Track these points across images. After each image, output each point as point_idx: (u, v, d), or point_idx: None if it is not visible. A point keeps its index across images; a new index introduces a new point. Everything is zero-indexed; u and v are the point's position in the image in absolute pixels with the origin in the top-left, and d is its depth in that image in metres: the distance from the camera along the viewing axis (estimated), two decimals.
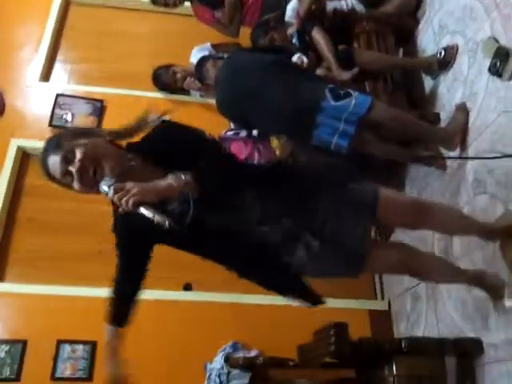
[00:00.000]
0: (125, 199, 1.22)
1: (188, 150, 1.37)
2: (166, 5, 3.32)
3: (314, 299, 1.70)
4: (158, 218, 1.22)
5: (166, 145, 1.40)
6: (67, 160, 1.33)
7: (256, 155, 2.81)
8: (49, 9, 3.65)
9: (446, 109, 2.45)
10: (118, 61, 3.55)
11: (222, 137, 2.89)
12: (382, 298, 2.95)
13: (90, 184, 1.32)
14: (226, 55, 3.18)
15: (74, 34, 3.68)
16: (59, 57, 3.61)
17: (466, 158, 2.16)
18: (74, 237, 2.96)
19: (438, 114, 2.47)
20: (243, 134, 2.81)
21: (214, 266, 2.90)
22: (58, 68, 3.58)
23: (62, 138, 1.38)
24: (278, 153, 2.76)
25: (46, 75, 3.47)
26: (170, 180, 1.28)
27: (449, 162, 2.36)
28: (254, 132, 2.82)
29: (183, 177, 1.27)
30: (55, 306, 2.67)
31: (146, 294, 2.66)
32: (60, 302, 2.68)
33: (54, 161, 1.34)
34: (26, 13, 3.62)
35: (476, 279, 1.88)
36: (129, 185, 1.24)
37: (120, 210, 1.27)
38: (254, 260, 1.52)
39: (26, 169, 3.17)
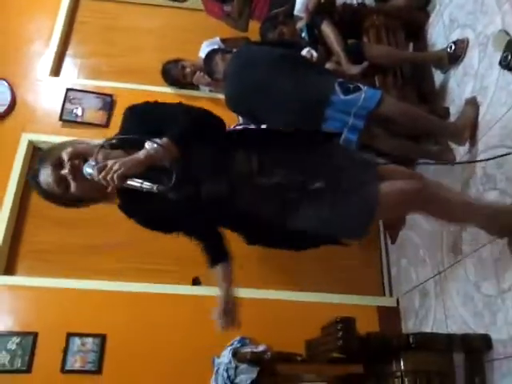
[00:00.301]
0: (109, 176, 1.27)
1: (162, 124, 1.40)
2: None
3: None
4: (145, 186, 1.27)
5: (139, 129, 1.44)
6: (57, 166, 1.40)
7: None
8: (59, 3, 3.66)
9: (455, 103, 2.42)
10: (128, 55, 3.56)
11: (230, 131, 2.88)
12: (391, 295, 2.94)
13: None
14: (234, 49, 3.20)
15: (84, 29, 3.69)
16: (69, 51, 3.63)
17: (475, 161, 2.13)
18: (85, 230, 2.97)
19: (447, 109, 2.45)
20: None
21: None
22: (68, 62, 3.60)
23: (43, 155, 1.46)
24: None
25: (56, 70, 3.49)
26: (147, 146, 1.33)
27: (458, 156, 2.34)
28: (263, 126, 2.81)
29: (158, 141, 1.31)
30: (65, 299, 2.70)
31: (154, 288, 2.72)
32: (70, 295, 2.71)
33: (46, 174, 1.40)
34: (37, 7, 3.64)
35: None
36: (110, 162, 1.29)
37: (108, 189, 1.31)
38: (259, 220, 1.51)
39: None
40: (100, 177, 1.28)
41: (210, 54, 2.58)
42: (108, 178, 1.27)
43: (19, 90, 3.29)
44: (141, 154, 1.33)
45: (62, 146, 1.45)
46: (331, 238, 1.65)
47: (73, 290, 2.73)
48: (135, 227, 2.92)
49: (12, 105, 3.23)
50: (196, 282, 2.83)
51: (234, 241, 2.92)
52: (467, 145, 2.24)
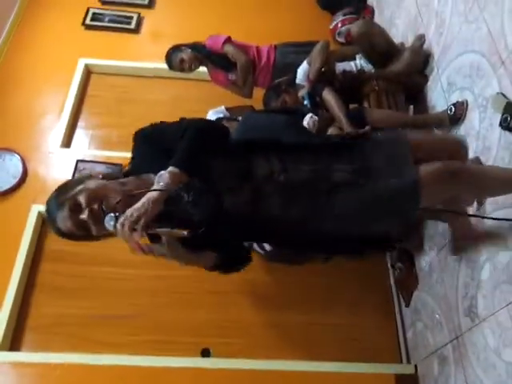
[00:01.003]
0: (127, 228, 1.21)
1: (169, 142, 1.39)
2: (182, 69, 3.44)
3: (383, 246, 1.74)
4: (175, 232, 1.24)
5: (149, 152, 1.45)
6: (75, 211, 1.34)
7: None
8: (71, 79, 3.83)
9: None
10: (137, 125, 3.65)
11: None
12: (408, 361, 2.82)
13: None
14: (240, 117, 3.28)
15: (95, 102, 3.84)
16: (80, 123, 3.75)
17: (485, 217, 2.11)
18: (93, 301, 2.94)
19: None
20: None
21: (233, 329, 2.86)
22: (79, 134, 3.71)
23: (59, 196, 1.38)
24: None
25: (67, 141, 3.60)
26: (156, 183, 1.30)
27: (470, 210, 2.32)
28: None
29: (165, 174, 1.29)
30: (73, 374, 2.61)
31: (162, 362, 2.63)
32: (78, 371, 2.62)
33: (63, 218, 1.35)
34: (49, 82, 3.82)
35: None
36: (128, 212, 1.24)
37: (138, 251, 1.28)
38: (289, 223, 1.46)
39: (46, 234, 3.21)
40: (123, 234, 1.23)
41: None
42: (128, 230, 1.22)
43: (31, 163, 3.38)
44: (152, 193, 1.28)
45: (78, 185, 1.39)
46: (371, 233, 1.56)
47: (81, 365, 2.64)
48: (143, 299, 2.91)
49: (23, 177, 3.31)
50: (205, 353, 2.74)
51: (238, 305, 2.87)
52: (475, 204, 2.22)
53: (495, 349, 1.98)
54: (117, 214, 1.26)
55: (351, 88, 2.83)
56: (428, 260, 2.68)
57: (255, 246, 2.70)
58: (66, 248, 3.09)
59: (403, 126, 2.63)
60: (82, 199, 1.34)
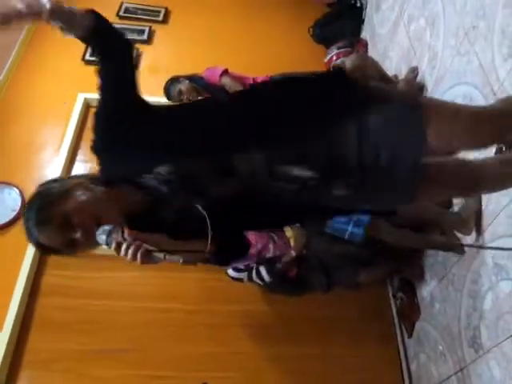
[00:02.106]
0: (131, 254, 1.14)
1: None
2: (181, 101, 3.45)
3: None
4: (169, 258, 1.17)
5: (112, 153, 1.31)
6: (65, 228, 1.22)
7: (271, 245, 2.80)
8: (70, 112, 3.88)
9: None
10: None
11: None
12: None
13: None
14: None
15: None
16: (79, 157, 3.77)
17: (485, 247, 2.12)
18: (91, 336, 2.90)
19: (450, 200, 2.47)
20: None
21: (232, 362, 2.81)
22: (78, 167, 3.72)
23: (43, 209, 1.25)
24: (292, 243, 2.75)
25: (66, 175, 3.61)
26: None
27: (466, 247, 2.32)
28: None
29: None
30: None
31: None
32: None
33: (50, 234, 1.23)
34: (49, 116, 3.85)
35: None
36: (128, 239, 1.16)
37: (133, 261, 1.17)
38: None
39: (44, 268, 3.19)
40: (121, 253, 1.15)
41: None
42: (130, 255, 1.14)
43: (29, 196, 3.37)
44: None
45: (65, 197, 1.25)
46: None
47: None
48: (140, 332, 2.87)
49: (22, 210, 3.31)
50: None
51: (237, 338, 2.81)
52: (474, 234, 2.23)
53: (501, 381, 1.95)
54: (108, 227, 1.19)
55: None
56: (429, 290, 2.66)
57: (254, 276, 2.68)
58: (63, 282, 3.08)
59: None
60: (75, 218, 1.22)
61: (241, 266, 2.69)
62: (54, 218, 1.22)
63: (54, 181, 1.36)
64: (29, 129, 3.76)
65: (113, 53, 1.29)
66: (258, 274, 2.65)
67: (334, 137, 1.22)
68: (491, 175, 1.41)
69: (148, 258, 1.16)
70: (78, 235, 1.22)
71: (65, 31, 1.22)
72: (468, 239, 2.29)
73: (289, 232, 2.84)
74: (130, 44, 1.36)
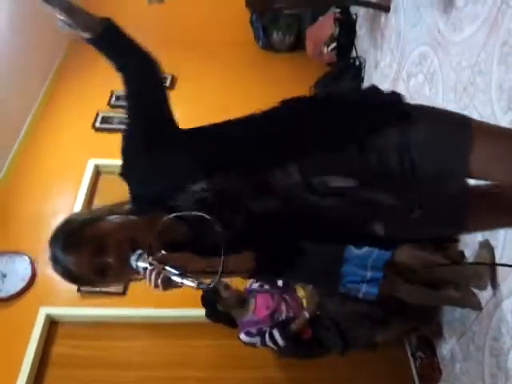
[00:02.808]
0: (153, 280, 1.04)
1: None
2: None
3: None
4: (186, 283, 1.04)
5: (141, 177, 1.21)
6: (98, 253, 1.11)
7: (283, 307, 2.75)
8: (81, 179, 3.95)
9: (470, 246, 2.41)
10: None
11: (247, 289, 2.87)
12: None
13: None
14: None
15: (104, 201, 3.91)
16: None
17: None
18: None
19: (462, 252, 2.43)
20: (268, 285, 2.80)
21: None
22: None
23: (73, 235, 1.15)
24: (305, 303, 2.70)
25: None
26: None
27: (484, 302, 2.26)
28: (279, 282, 2.80)
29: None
30: None
31: None
32: None
33: (81, 261, 1.12)
34: (60, 183, 3.93)
35: None
36: (154, 264, 1.04)
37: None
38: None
39: (54, 337, 3.16)
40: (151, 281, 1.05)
41: None
42: (152, 282, 1.04)
43: (40, 265, 3.38)
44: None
45: (93, 220, 1.17)
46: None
47: None
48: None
49: (32, 279, 3.31)
50: None
51: None
52: (490, 289, 2.17)
53: None
54: (140, 251, 1.09)
55: None
56: (449, 348, 2.56)
57: (268, 340, 2.61)
58: (73, 352, 3.04)
59: None
60: (109, 239, 1.12)
61: (253, 330, 2.63)
62: (84, 240, 1.12)
63: (81, 212, 1.26)
64: (40, 197, 3.82)
65: (129, 65, 1.23)
66: (272, 337, 2.58)
67: (372, 146, 1.15)
68: None
69: (168, 283, 1.06)
70: (110, 259, 1.12)
71: (71, 26, 1.20)
72: (485, 294, 2.23)
73: (301, 292, 2.79)
74: (147, 58, 1.26)
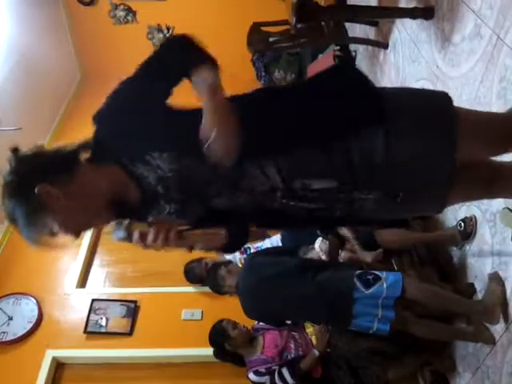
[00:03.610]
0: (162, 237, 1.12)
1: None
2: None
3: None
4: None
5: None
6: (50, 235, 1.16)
7: (292, 344, 2.71)
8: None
9: (479, 278, 2.38)
10: (151, 260, 3.70)
11: (255, 327, 2.84)
12: None
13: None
14: (251, 246, 3.32)
15: (110, 239, 3.91)
16: (96, 262, 3.81)
17: None
18: None
19: (472, 285, 2.40)
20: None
21: None
22: (95, 272, 3.74)
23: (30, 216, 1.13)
24: (314, 341, 2.66)
25: (82, 281, 3.62)
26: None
27: (497, 335, 2.22)
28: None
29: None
30: None
31: None
32: None
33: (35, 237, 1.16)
34: None
35: None
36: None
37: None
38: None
39: (61, 380, 3.12)
40: (149, 241, 1.12)
41: (213, 269, 2.65)
42: (161, 240, 1.11)
43: (46, 306, 3.37)
44: None
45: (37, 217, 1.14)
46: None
47: None
48: None
49: (39, 321, 3.28)
50: None
51: None
52: (502, 322, 2.13)
53: None
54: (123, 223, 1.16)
55: None
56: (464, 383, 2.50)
57: (277, 380, 2.55)
58: None
59: (415, 244, 2.65)
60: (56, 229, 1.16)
61: (262, 369, 2.59)
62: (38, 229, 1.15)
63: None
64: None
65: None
66: (281, 376, 2.53)
67: (356, 148, 1.17)
68: None
69: (180, 239, 1.13)
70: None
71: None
72: (498, 328, 2.19)
73: (310, 328, 2.76)
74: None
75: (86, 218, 1.19)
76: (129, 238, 1.15)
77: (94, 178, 1.18)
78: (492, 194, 1.63)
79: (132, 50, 5.32)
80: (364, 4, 3.86)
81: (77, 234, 1.20)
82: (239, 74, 5.03)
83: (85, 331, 3.21)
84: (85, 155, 1.20)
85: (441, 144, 1.21)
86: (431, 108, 1.24)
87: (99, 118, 1.19)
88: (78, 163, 1.19)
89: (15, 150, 1.16)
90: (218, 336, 2.70)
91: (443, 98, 1.28)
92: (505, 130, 1.36)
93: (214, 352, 2.78)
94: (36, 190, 1.11)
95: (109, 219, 1.23)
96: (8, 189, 1.14)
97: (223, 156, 1.09)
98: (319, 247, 2.65)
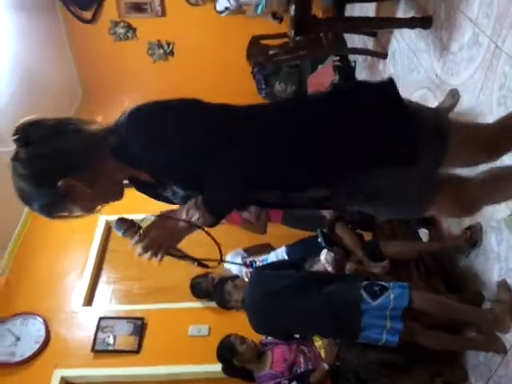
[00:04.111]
0: (152, 251, 1.17)
1: None
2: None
3: None
4: (187, 260, 1.24)
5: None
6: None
7: (302, 358, 2.68)
8: (92, 236, 3.98)
9: (487, 286, 2.36)
10: (157, 276, 3.70)
11: (263, 342, 2.82)
12: None
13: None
14: (257, 259, 3.32)
15: (116, 256, 3.93)
16: (102, 278, 3.81)
17: None
18: None
19: (480, 293, 2.38)
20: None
21: None
22: (101, 290, 3.75)
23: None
24: (323, 354, 2.64)
25: (89, 299, 3.62)
26: (186, 214, 1.19)
27: (508, 344, 2.19)
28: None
29: (197, 213, 1.18)
30: None
31: None
32: None
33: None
34: (72, 242, 3.96)
35: None
36: (152, 233, 1.18)
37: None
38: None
39: None
40: (140, 249, 1.18)
41: (219, 284, 2.65)
42: (150, 252, 1.17)
43: (53, 325, 3.37)
44: (184, 226, 1.20)
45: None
46: None
47: None
48: None
49: (46, 341, 3.29)
50: None
51: None
52: None
53: None
54: (126, 226, 1.23)
55: (362, 219, 2.88)
56: None
57: None
58: None
59: (421, 254, 2.63)
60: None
61: None
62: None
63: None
64: (52, 257, 3.84)
65: None
66: None
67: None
68: None
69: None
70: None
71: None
72: (509, 336, 2.17)
73: (318, 342, 2.74)
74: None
75: (105, 200, 1.27)
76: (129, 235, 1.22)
77: (116, 172, 1.25)
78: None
79: (133, 66, 5.41)
80: (362, 15, 3.89)
81: (94, 211, 1.28)
82: (240, 87, 5.07)
83: (92, 349, 3.21)
84: (107, 143, 1.21)
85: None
86: None
87: (138, 127, 1.20)
88: (100, 154, 1.21)
89: (35, 124, 1.20)
90: (226, 351, 2.68)
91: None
92: (489, 140, 1.44)
93: (222, 368, 2.76)
94: (60, 184, 1.16)
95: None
96: (28, 176, 1.17)
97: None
98: (325, 259, 2.64)
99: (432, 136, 1.30)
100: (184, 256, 1.25)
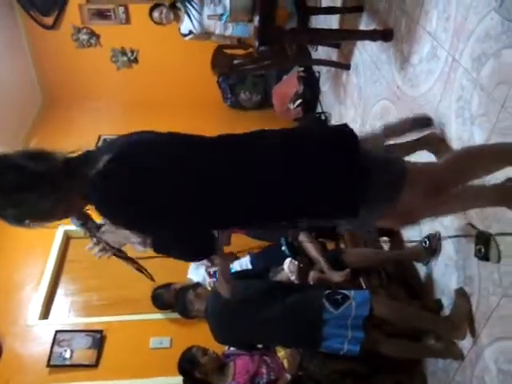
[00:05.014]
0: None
1: None
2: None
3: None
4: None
5: None
6: None
7: (264, 369, 2.66)
8: (50, 246, 3.84)
9: (445, 294, 2.40)
10: (118, 287, 3.60)
11: (226, 353, 2.78)
12: None
13: None
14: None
15: (75, 267, 3.81)
16: (59, 291, 3.68)
17: None
18: None
19: (439, 301, 2.42)
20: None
21: None
22: (58, 302, 3.61)
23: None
24: (285, 364, 2.62)
25: (45, 312, 3.49)
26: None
27: (465, 350, 2.23)
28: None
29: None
30: None
31: None
32: None
33: None
34: (29, 253, 3.80)
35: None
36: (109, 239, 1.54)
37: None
38: None
39: None
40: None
41: (181, 293, 2.62)
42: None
43: (7, 339, 3.22)
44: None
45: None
46: None
47: None
48: None
49: None
50: None
51: None
52: (470, 338, 2.15)
53: None
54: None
55: (326, 228, 2.90)
56: None
57: None
58: None
59: (382, 263, 2.67)
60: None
61: None
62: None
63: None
64: (6, 268, 3.68)
65: None
66: None
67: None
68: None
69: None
70: None
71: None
72: (466, 343, 2.21)
73: (281, 352, 2.72)
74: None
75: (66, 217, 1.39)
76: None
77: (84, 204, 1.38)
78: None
79: (96, 74, 5.31)
80: (326, 27, 3.95)
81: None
82: (205, 95, 5.05)
83: (48, 365, 3.08)
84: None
85: None
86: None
87: (111, 200, 1.30)
88: (70, 195, 1.30)
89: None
90: (187, 363, 2.62)
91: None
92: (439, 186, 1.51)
93: (183, 381, 2.70)
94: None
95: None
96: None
97: None
98: (288, 268, 2.63)
99: (384, 189, 1.39)
100: (127, 258, 1.44)
